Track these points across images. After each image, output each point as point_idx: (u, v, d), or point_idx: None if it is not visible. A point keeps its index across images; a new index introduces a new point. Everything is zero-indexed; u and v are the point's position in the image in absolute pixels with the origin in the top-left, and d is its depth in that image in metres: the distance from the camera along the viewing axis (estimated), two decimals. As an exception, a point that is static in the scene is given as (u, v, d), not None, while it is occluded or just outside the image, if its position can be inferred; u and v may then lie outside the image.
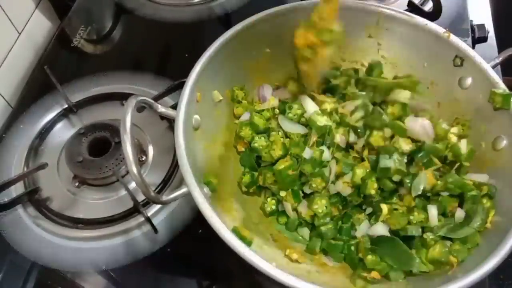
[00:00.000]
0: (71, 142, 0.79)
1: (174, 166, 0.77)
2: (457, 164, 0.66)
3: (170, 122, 0.82)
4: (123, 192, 0.76)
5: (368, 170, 0.64)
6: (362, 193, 0.64)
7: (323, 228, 0.65)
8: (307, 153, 0.65)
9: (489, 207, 0.62)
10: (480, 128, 0.69)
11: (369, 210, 0.66)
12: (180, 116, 0.62)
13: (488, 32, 0.90)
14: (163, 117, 0.81)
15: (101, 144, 0.79)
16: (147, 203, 0.73)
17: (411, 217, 0.63)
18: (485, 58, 0.70)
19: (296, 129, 0.70)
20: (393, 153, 0.63)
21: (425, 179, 0.63)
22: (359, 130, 0.67)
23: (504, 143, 0.66)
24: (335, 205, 0.66)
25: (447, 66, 0.72)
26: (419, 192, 0.63)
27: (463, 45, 0.71)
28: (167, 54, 0.96)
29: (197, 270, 0.71)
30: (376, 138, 0.66)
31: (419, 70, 0.75)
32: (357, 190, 0.65)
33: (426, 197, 0.64)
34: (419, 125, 0.67)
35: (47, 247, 0.71)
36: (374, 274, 0.61)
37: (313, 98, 0.71)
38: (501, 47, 0.91)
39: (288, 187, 0.66)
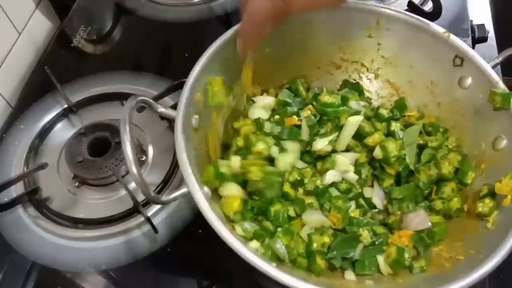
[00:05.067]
0: (71, 142, 0.79)
1: (174, 166, 0.77)
2: None
3: (170, 122, 0.82)
4: (123, 192, 0.76)
5: None
6: None
7: None
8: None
9: (491, 207, 0.62)
10: (480, 128, 0.69)
11: None
12: (180, 116, 0.62)
13: (488, 32, 0.90)
14: (163, 117, 0.81)
15: (101, 144, 0.79)
16: (147, 203, 0.73)
17: None
18: (485, 58, 0.70)
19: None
20: None
21: None
22: None
23: (504, 143, 0.65)
24: None
25: (447, 66, 0.72)
26: None
27: (463, 45, 0.71)
28: (167, 54, 0.96)
29: (197, 270, 0.71)
30: None
31: (419, 70, 0.75)
32: None
33: None
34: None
35: (47, 247, 0.71)
36: None
37: None
38: (501, 47, 0.91)
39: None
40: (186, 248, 0.71)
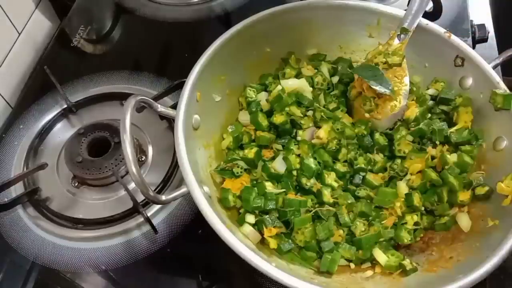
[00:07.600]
0: (70, 142, 0.79)
1: (174, 166, 0.77)
2: None
3: (170, 122, 0.81)
4: (122, 192, 0.76)
5: None
6: None
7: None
8: None
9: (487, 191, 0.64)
10: (481, 128, 0.69)
11: None
12: (180, 116, 0.62)
13: (488, 32, 0.90)
14: (162, 117, 0.81)
15: (100, 144, 0.78)
16: (147, 203, 0.73)
17: None
18: (485, 58, 0.70)
19: None
20: None
21: None
22: None
23: (504, 143, 0.65)
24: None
25: (448, 66, 0.72)
26: None
27: (464, 45, 0.71)
28: (166, 54, 0.96)
29: (197, 270, 0.70)
30: None
31: (420, 70, 0.75)
32: None
33: None
34: None
35: (47, 247, 0.71)
36: None
37: None
38: (501, 47, 0.90)
39: None
40: (186, 248, 0.71)
